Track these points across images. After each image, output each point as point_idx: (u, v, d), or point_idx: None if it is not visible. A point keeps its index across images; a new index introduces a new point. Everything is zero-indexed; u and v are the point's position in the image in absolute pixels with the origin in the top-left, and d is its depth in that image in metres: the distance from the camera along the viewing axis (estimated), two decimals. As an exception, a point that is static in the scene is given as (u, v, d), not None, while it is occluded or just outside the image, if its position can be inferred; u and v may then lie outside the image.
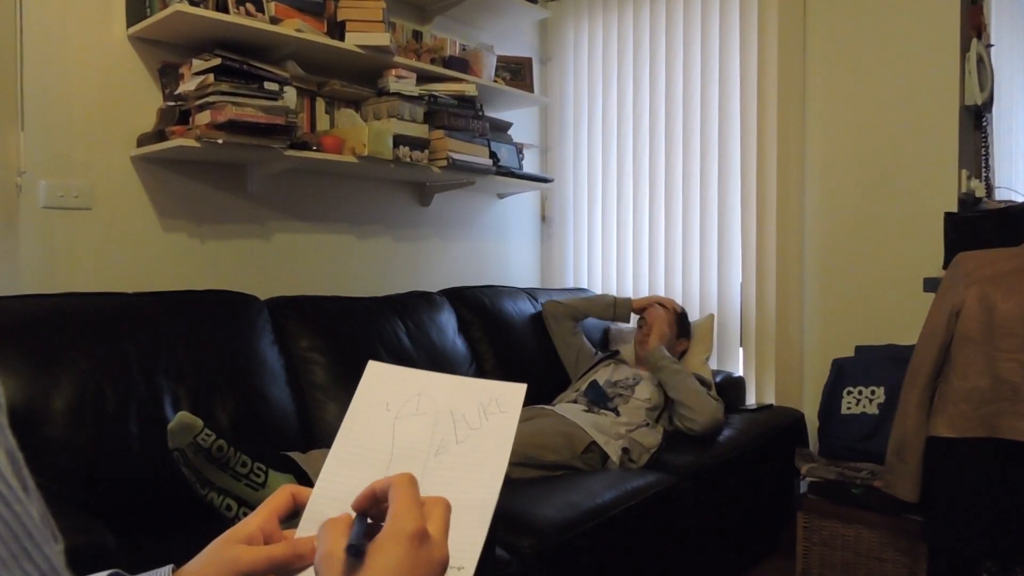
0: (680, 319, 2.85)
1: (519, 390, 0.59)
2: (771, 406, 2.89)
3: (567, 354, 2.90)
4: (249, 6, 2.15)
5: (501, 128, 3.07)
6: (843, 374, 2.57)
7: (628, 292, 3.38)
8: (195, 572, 0.51)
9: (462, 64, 2.86)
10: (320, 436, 2.09)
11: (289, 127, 2.18)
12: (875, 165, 2.78)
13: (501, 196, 3.40)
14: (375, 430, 0.57)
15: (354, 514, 0.50)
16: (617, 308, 2.95)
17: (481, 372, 2.68)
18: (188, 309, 1.99)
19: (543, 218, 3.63)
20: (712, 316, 3.02)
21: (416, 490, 0.49)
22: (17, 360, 1.64)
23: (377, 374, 0.61)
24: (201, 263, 2.36)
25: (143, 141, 2.17)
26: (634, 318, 3.00)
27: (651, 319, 2.77)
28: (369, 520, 0.49)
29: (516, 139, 3.12)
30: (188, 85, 2.10)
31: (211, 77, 2.05)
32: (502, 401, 0.59)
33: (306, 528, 0.53)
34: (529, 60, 3.24)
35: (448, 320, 2.66)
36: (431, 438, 0.57)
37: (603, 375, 2.68)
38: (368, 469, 0.55)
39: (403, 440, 0.57)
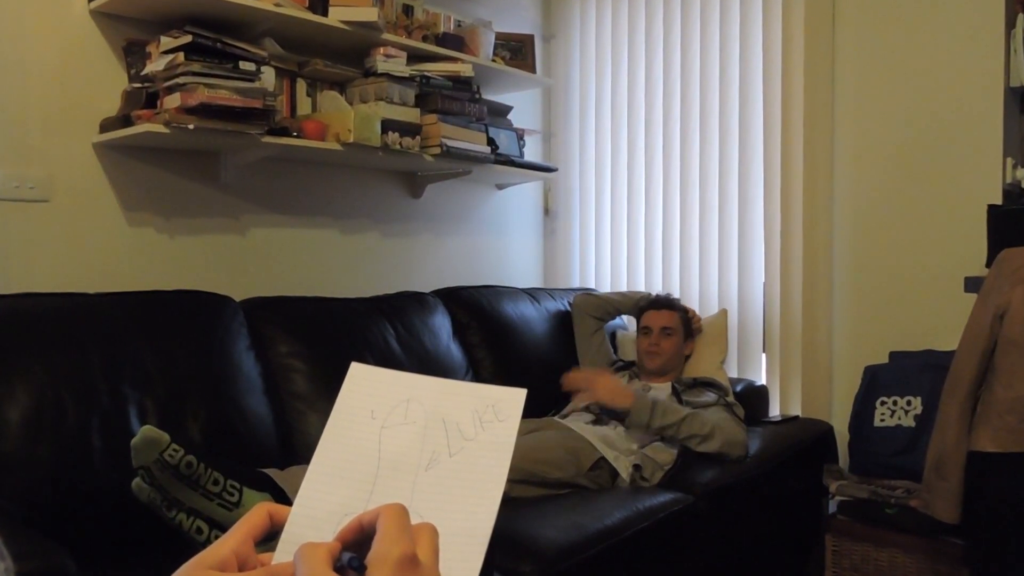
0: (685, 319, 2.84)
1: (519, 396, 0.59)
2: (797, 418, 2.88)
3: (583, 354, 2.90)
4: (223, -22, 2.15)
5: (500, 112, 3.07)
6: (876, 383, 2.57)
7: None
8: None
9: (457, 42, 2.85)
10: (300, 450, 2.09)
11: (267, 111, 2.18)
12: (911, 153, 2.77)
13: (500, 187, 3.39)
14: (359, 441, 0.57)
15: (334, 539, 0.49)
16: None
17: (478, 380, 2.67)
18: (156, 311, 1.99)
19: (546, 211, 3.63)
20: (725, 312, 3.01)
21: (406, 517, 0.49)
22: (-33, 367, 1.64)
23: (361, 377, 0.60)
24: (170, 261, 2.36)
25: (106, 126, 2.17)
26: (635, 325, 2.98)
27: (590, 385, 2.46)
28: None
29: (516, 124, 3.12)
30: (156, 65, 2.09)
31: (181, 56, 2.04)
32: (500, 408, 0.58)
33: (285, 552, 0.52)
34: (531, 37, 3.24)
35: (442, 323, 2.66)
36: (421, 450, 0.56)
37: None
38: (352, 485, 0.55)
39: (390, 452, 0.56)
